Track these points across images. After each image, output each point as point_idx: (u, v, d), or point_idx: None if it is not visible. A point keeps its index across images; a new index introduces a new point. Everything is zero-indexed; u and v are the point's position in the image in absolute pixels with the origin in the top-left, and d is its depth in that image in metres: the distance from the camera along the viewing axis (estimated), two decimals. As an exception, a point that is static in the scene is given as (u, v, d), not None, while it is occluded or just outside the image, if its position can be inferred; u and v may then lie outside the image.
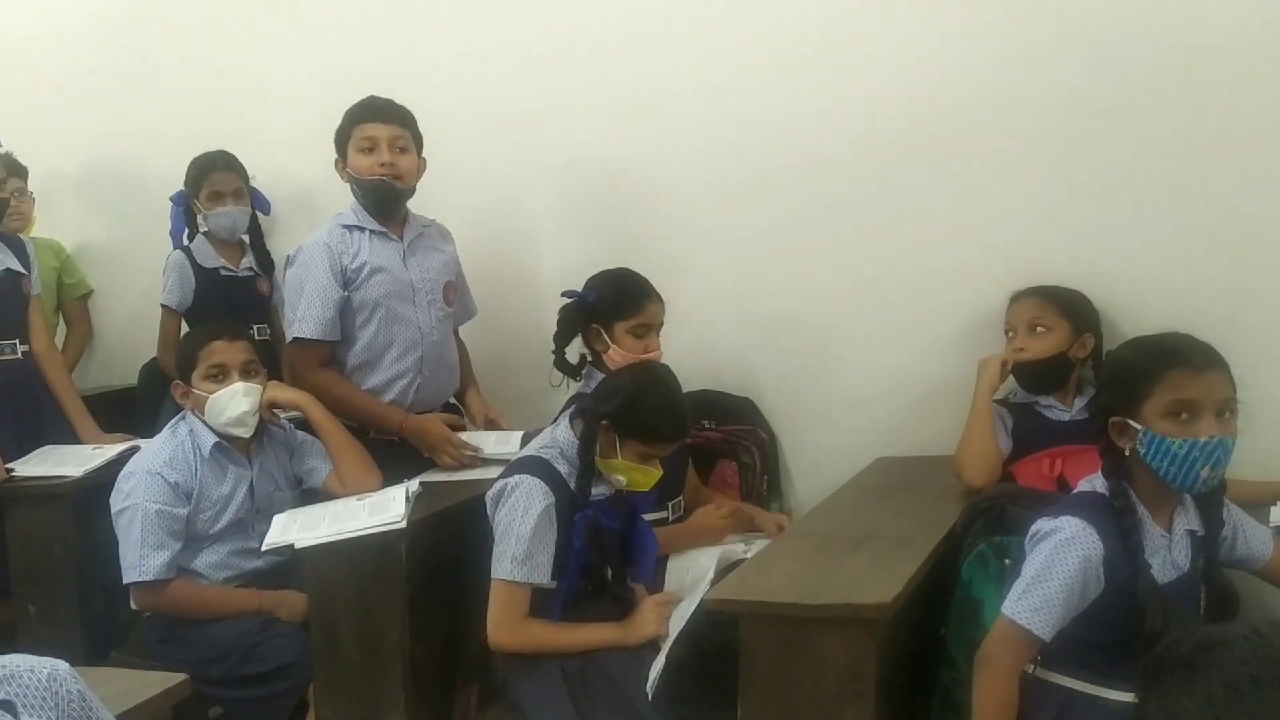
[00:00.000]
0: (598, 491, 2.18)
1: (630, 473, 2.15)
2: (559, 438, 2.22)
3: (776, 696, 1.77)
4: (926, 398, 2.70)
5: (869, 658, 1.74)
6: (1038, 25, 2.53)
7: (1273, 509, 2.08)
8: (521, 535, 2.08)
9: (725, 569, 2.14)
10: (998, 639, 1.72)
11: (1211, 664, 0.80)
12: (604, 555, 2.15)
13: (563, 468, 2.17)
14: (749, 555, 2.28)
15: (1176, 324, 1.75)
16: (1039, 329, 2.39)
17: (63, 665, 1.15)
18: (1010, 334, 2.46)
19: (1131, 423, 1.66)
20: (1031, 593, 1.68)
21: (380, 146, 2.66)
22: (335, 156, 2.73)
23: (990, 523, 2.02)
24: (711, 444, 2.82)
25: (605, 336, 2.50)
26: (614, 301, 2.50)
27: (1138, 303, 2.45)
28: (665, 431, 2.16)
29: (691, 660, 2.14)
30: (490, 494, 2.19)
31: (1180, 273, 2.44)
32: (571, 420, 2.23)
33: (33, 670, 1.12)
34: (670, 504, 2.55)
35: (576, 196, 3.07)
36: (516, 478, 2.14)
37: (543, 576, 2.10)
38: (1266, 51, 2.36)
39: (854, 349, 2.78)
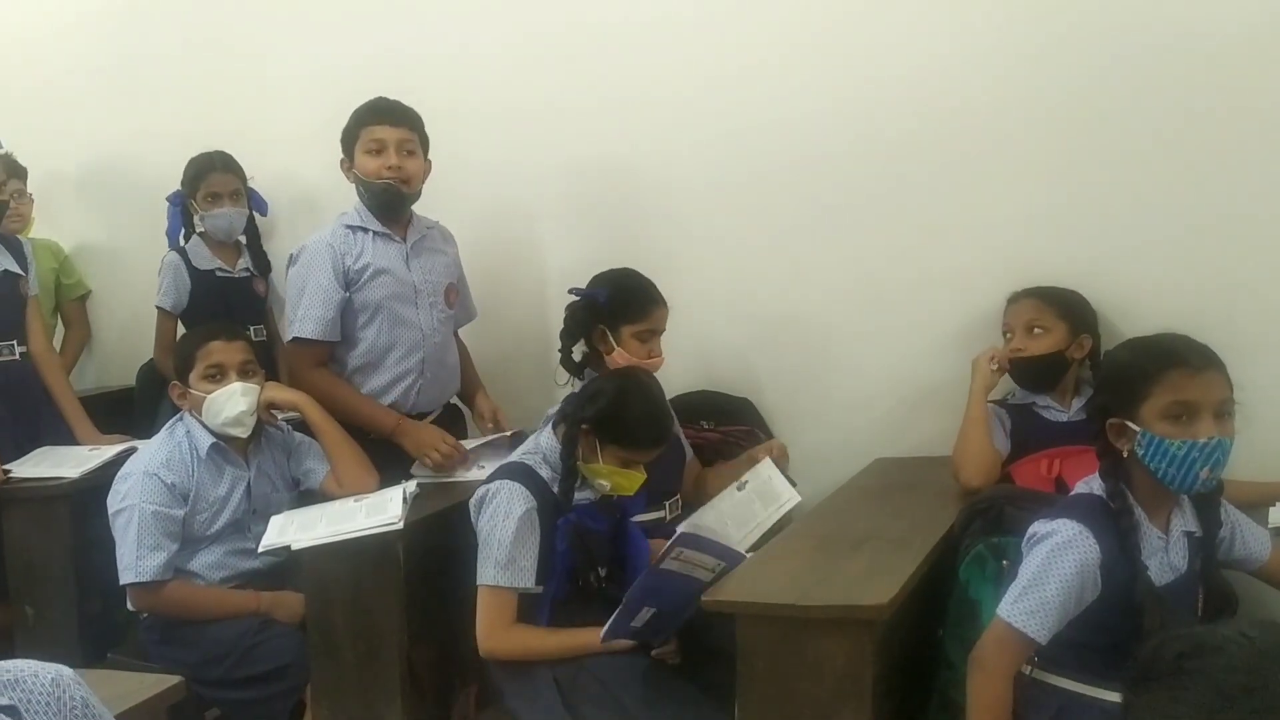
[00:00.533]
0: (584, 496, 2.18)
1: (613, 477, 2.15)
2: (542, 443, 2.22)
3: (773, 697, 1.77)
4: (925, 398, 2.69)
5: (866, 659, 1.74)
6: (1037, 26, 2.53)
7: (1271, 510, 2.08)
8: (503, 541, 2.08)
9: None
10: (992, 641, 1.71)
11: (1202, 670, 0.78)
12: (590, 559, 2.15)
13: (545, 472, 2.17)
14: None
15: (1175, 325, 1.75)
16: (1036, 330, 2.38)
17: (66, 671, 1.15)
18: (1008, 335, 2.45)
19: (1130, 424, 1.66)
20: (1027, 596, 1.68)
21: (388, 149, 2.66)
22: (341, 156, 2.73)
23: (988, 524, 2.02)
24: (710, 444, 2.82)
25: (610, 338, 2.49)
26: (622, 304, 2.49)
27: (1135, 303, 2.45)
28: (645, 438, 2.16)
29: (685, 662, 2.14)
30: (472, 501, 2.19)
31: (1178, 274, 2.43)
32: (554, 425, 2.23)
33: (36, 675, 1.12)
34: (668, 503, 2.54)
35: (576, 195, 3.06)
36: (497, 483, 2.15)
37: (526, 581, 2.10)
38: (1265, 52, 2.35)
39: (853, 349, 2.78)
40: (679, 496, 2.60)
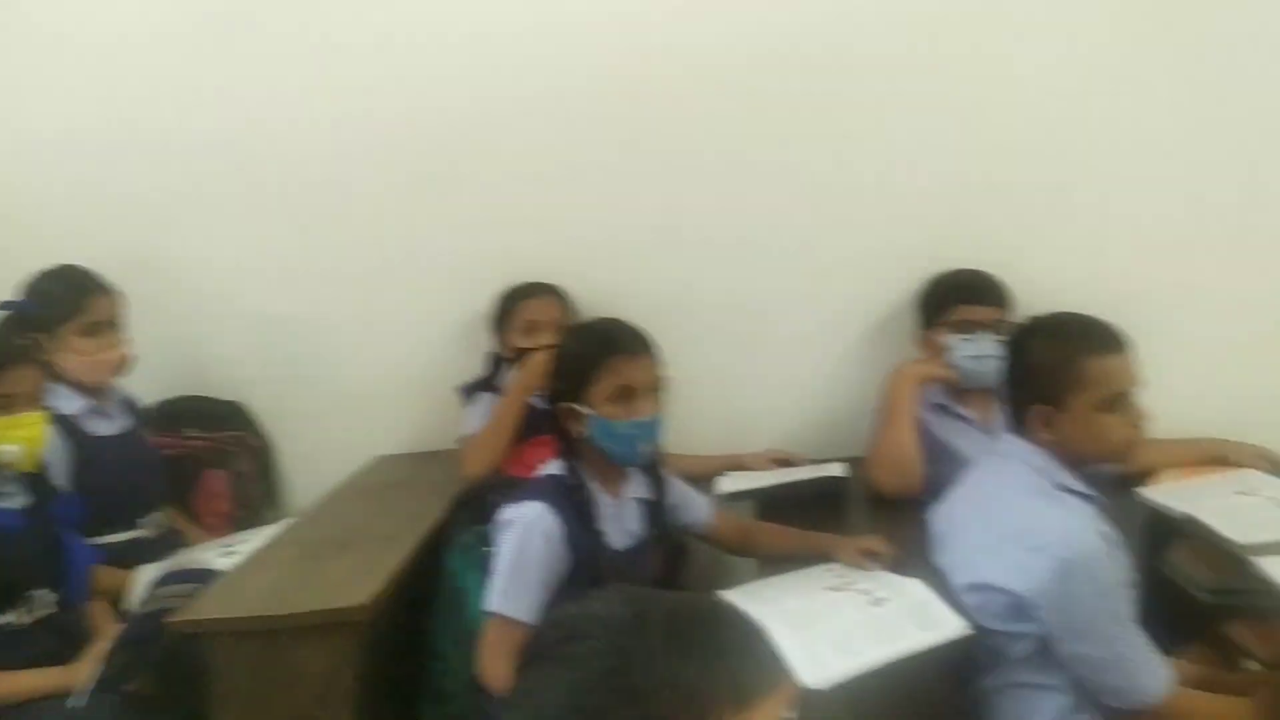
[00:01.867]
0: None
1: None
2: None
3: (249, 714, 1.68)
4: (426, 391, 2.68)
5: (348, 661, 1.72)
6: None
7: (718, 479, 2.36)
8: None
9: None
10: (489, 634, 1.73)
11: (572, 655, 0.81)
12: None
13: None
14: None
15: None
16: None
17: None
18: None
19: (579, 408, 1.78)
20: (507, 581, 1.73)
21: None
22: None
23: (473, 513, 2.07)
24: (196, 453, 2.62)
25: (57, 345, 2.21)
26: (53, 304, 2.24)
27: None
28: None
29: (164, 694, 1.96)
30: None
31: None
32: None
33: None
34: (145, 520, 2.31)
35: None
36: None
37: None
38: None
39: (347, 343, 2.71)
40: (159, 514, 2.38)
